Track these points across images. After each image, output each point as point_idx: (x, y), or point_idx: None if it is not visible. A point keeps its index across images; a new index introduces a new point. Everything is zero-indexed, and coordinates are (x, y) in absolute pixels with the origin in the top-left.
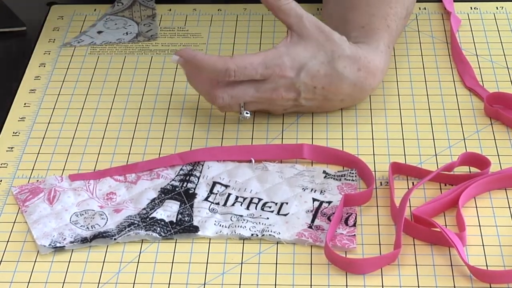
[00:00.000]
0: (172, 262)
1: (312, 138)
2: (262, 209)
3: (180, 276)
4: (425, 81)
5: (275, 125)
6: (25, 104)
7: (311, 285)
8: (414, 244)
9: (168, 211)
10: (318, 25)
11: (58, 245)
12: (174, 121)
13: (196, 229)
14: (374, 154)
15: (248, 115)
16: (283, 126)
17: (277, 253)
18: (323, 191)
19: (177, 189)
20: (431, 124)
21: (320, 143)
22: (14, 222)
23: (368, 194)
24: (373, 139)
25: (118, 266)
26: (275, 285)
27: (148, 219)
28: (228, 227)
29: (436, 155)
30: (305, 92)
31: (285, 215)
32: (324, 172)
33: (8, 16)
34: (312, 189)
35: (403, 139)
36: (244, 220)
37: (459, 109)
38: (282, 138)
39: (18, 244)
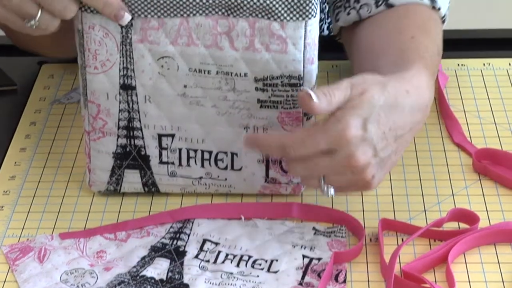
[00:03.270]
0: None
1: (302, 195)
2: (252, 267)
3: None
4: (414, 137)
5: None
6: (15, 162)
7: None
8: None
9: (158, 269)
10: (354, 82)
11: None
12: None
13: (186, 287)
14: (363, 210)
15: (332, 192)
16: None
17: None
18: (313, 248)
19: (167, 246)
20: (420, 180)
21: (310, 200)
22: (5, 281)
23: (358, 250)
24: (362, 195)
25: None
26: None
27: (138, 277)
28: (219, 285)
29: (425, 211)
30: (378, 143)
31: (275, 272)
32: (313, 228)
33: (0, 75)
34: (302, 246)
35: (392, 195)
36: (234, 277)
37: (447, 164)
38: (271, 195)
39: None
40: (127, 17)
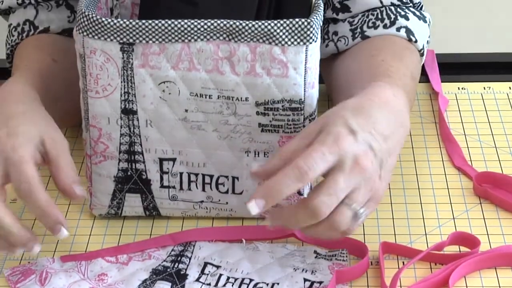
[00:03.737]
0: None
1: None
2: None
3: None
4: (414, 161)
5: None
6: None
7: None
8: None
9: None
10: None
11: None
12: None
13: None
14: (364, 234)
15: (363, 216)
16: None
17: None
18: (314, 271)
19: (168, 269)
20: (421, 203)
21: None
22: None
23: (362, 267)
24: None
25: None
26: None
27: None
28: None
29: (426, 234)
30: (371, 142)
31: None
32: (315, 252)
33: None
34: (303, 269)
35: (393, 218)
36: None
37: (448, 188)
38: None
39: None
40: (64, 232)
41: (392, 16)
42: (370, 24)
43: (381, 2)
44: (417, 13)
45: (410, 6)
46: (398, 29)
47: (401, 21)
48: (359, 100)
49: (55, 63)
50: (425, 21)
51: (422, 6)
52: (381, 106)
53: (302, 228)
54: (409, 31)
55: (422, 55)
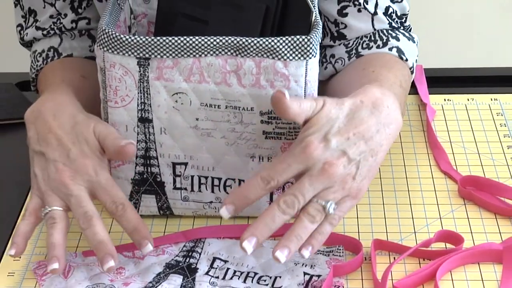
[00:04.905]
0: None
1: None
2: (258, 283)
3: None
4: (404, 165)
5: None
6: None
7: None
8: None
9: (172, 284)
10: (316, 97)
11: None
12: None
13: None
14: (358, 232)
15: (332, 210)
16: None
17: None
18: (313, 266)
19: (180, 264)
20: (410, 204)
21: None
22: None
23: (357, 262)
24: (357, 218)
25: None
26: None
27: None
28: None
29: (415, 232)
30: (346, 148)
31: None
32: None
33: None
34: (303, 264)
35: (385, 218)
36: None
37: (435, 190)
38: None
39: None
40: (149, 247)
41: (384, 38)
42: (364, 46)
43: (374, 28)
44: (407, 34)
45: (401, 29)
46: (390, 49)
47: (392, 42)
48: (352, 100)
49: (84, 79)
50: (413, 42)
51: (411, 28)
52: (368, 107)
53: (288, 235)
54: (400, 51)
55: (412, 72)
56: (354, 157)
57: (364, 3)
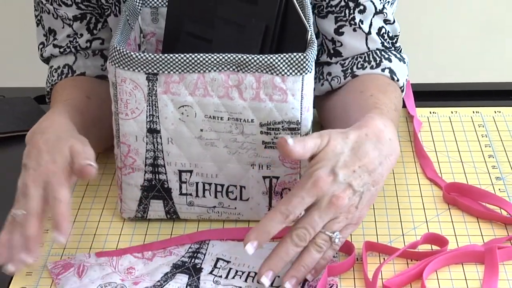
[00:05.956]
0: None
1: None
2: (258, 282)
3: None
4: (393, 173)
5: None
6: None
7: None
8: None
9: (179, 283)
10: (321, 132)
11: None
12: None
13: None
14: (351, 235)
15: (338, 240)
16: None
17: None
18: None
19: (186, 264)
20: (399, 208)
21: None
22: None
23: (350, 263)
24: None
25: None
26: None
27: None
28: None
29: (403, 235)
30: (352, 181)
31: (278, 287)
32: None
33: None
34: None
35: (375, 221)
36: None
37: (422, 196)
38: None
39: None
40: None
41: (378, 59)
42: (359, 66)
43: (368, 48)
44: (398, 55)
45: (392, 50)
46: (383, 70)
47: (385, 63)
48: (357, 133)
49: (88, 99)
50: (404, 62)
51: (401, 49)
52: (372, 140)
53: (296, 265)
54: (392, 72)
55: (402, 91)
56: (358, 188)
57: (360, 23)
